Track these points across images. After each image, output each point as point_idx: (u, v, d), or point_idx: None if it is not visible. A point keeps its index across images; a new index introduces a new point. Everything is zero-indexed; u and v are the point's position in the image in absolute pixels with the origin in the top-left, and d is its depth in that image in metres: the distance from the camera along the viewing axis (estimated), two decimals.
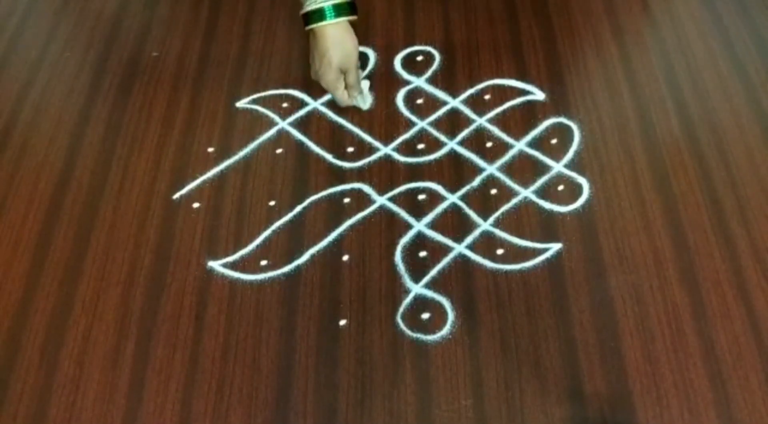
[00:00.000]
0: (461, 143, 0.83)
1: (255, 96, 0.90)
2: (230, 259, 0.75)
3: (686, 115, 0.84)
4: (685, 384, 0.65)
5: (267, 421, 0.65)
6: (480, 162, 0.82)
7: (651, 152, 0.81)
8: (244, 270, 0.75)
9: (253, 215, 0.79)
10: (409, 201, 0.79)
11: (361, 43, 0.83)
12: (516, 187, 0.79)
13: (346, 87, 0.85)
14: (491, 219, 0.77)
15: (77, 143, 0.86)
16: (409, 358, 0.68)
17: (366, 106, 0.87)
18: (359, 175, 0.81)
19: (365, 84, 0.88)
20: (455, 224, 0.77)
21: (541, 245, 0.74)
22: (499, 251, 0.74)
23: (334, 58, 0.81)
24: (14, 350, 0.70)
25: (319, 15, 0.80)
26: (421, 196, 0.79)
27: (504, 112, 0.86)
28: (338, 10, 0.81)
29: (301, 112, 0.88)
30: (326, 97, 0.88)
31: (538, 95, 0.87)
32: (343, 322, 0.70)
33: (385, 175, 0.81)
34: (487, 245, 0.75)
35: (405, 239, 0.76)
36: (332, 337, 0.70)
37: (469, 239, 0.75)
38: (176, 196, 0.81)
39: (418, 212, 0.78)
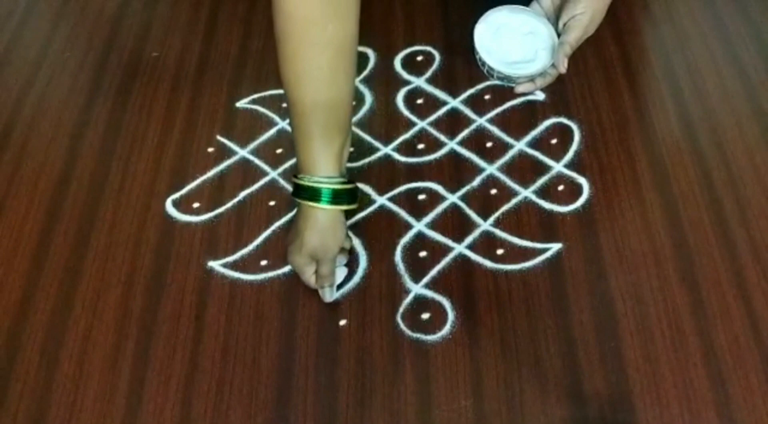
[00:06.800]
0: (461, 143, 0.83)
1: (255, 96, 0.89)
2: (230, 259, 0.75)
3: (686, 115, 0.84)
4: (685, 384, 0.65)
5: (267, 421, 0.65)
6: (480, 162, 0.81)
7: (651, 152, 0.81)
8: (244, 270, 0.74)
9: (253, 215, 0.79)
10: (409, 201, 0.79)
11: (361, 43, 0.82)
12: (516, 187, 0.79)
13: (317, 274, 0.70)
14: (491, 219, 0.77)
15: (77, 143, 0.86)
16: (409, 358, 0.68)
17: (327, 300, 0.71)
18: (359, 175, 0.81)
19: (341, 272, 0.72)
20: (455, 224, 0.77)
21: (541, 245, 0.74)
22: (499, 251, 0.74)
23: (308, 244, 0.68)
24: (14, 350, 0.70)
25: (311, 194, 0.67)
26: (421, 196, 0.79)
27: (504, 112, 0.86)
28: (336, 196, 0.67)
29: None
30: None
31: (538, 95, 0.87)
32: (343, 322, 0.70)
33: (385, 175, 0.81)
34: (487, 244, 0.75)
35: (405, 239, 0.76)
36: (332, 337, 0.69)
37: (469, 239, 0.75)
38: (176, 196, 0.81)
39: (418, 212, 0.78)
